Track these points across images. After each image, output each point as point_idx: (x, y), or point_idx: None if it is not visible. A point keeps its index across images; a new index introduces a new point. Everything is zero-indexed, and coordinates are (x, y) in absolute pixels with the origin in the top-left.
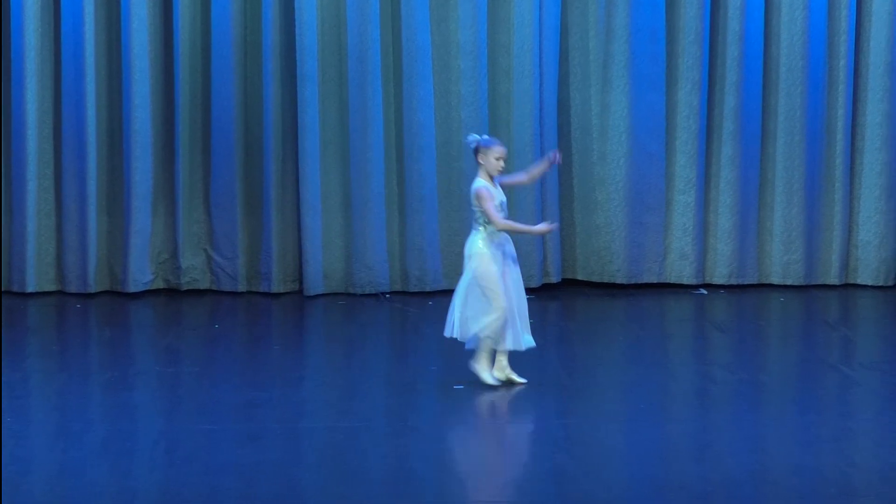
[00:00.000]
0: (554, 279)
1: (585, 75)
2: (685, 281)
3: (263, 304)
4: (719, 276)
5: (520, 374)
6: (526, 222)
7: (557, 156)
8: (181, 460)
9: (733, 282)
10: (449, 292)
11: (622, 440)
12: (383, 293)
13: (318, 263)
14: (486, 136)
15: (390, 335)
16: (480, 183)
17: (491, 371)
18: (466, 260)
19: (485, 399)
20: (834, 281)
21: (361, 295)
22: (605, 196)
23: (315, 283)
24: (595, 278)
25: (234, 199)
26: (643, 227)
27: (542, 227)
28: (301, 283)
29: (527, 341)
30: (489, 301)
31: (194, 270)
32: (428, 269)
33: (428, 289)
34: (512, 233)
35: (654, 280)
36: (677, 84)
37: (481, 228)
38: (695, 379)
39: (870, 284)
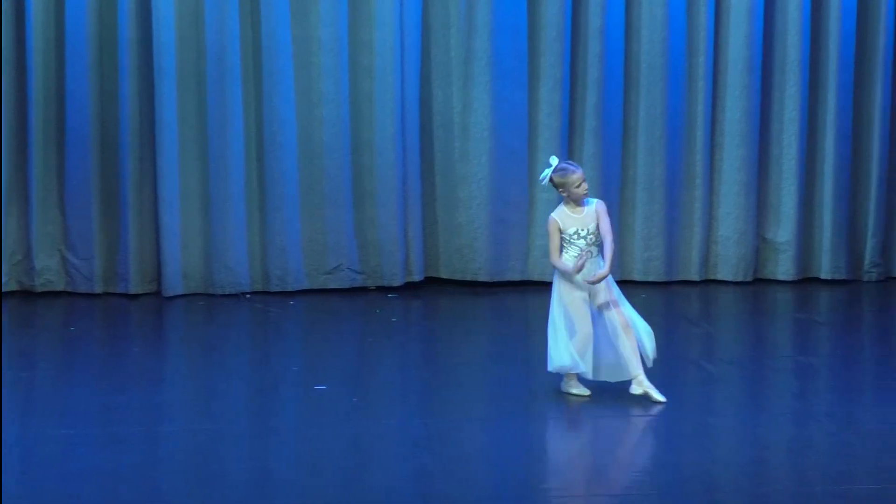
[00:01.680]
0: (416, 277)
1: (447, 73)
2: (548, 279)
3: (121, 306)
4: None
5: (379, 374)
6: (388, 221)
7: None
8: (37, 466)
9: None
10: (311, 292)
11: (485, 439)
12: (244, 293)
13: (177, 263)
14: (558, 165)
15: (251, 336)
16: (555, 213)
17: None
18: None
19: (346, 400)
20: (694, 277)
21: (221, 295)
22: (468, 194)
23: (174, 284)
24: (458, 276)
25: (89, 199)
26: (506, 224)
27: (574, 264)
28: (159, 283)
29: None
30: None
31: (49, 272)
32: (290, 269)
33: (290, 289)
34: (561, 272)
35: (517, 278)
36: (539, 81)
37: (564, 252)
38: (559, 377)
39: (729, 280)
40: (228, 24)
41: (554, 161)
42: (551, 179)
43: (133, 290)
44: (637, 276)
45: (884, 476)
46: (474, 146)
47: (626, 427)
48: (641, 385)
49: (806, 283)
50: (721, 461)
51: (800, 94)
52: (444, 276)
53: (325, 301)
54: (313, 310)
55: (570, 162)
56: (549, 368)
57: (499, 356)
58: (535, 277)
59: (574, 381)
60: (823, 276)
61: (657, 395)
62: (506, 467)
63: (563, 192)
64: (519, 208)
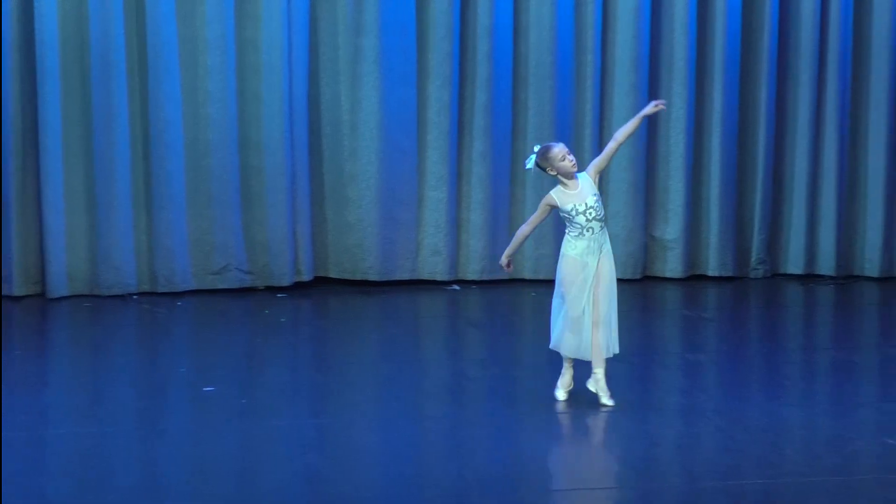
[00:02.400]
0: (306, 277)
1: (335, 71)
2: (438, 277)
3: (4, 308)
4: (472, 272)
5: (268, 375)
6: (277, 220)
7: (661, 102)
8: None
9: (486, 277)
10: (199, 292)
11: (376, 439)
12: (131, 294)
13: (62, 264)
14: (535, 148)
15: (138, 337)
16: (552, 192)
17: (564, 385)
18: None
19: (235, 401)
20: None
21: (108, 296)
22: (357, 193)
23: (59, 285)
24: (347, 276)
25: None
26: (395, 223)
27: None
28: (44, 284)
29: (611, 349)
30: (566, 306)
31: None
32: (177, 270)
33: (177, 289)
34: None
35: (407, 277)
36: (428, 79)
37: (566, 234)
38: (449, 376)
39: (619, 278)
40: (113, 22)
41: (536, 148)
42: (536, 164)
43: (16, 291)
44: (527, 275)
45: (771, 471)
46: (363, 144)
47: (519, 426)
48: (598, 384)
49: (694, 280)
50: (611, 458)
51: (686, 92)
52: (333, 275)
53: (214, 301)
54: (201, 310)
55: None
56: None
57: (389, 356)
58: (426, 276)
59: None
60: (711, 273)
61: (606, 399)
62: (396, 467)
63: (551, 172)
64: (408, 207)
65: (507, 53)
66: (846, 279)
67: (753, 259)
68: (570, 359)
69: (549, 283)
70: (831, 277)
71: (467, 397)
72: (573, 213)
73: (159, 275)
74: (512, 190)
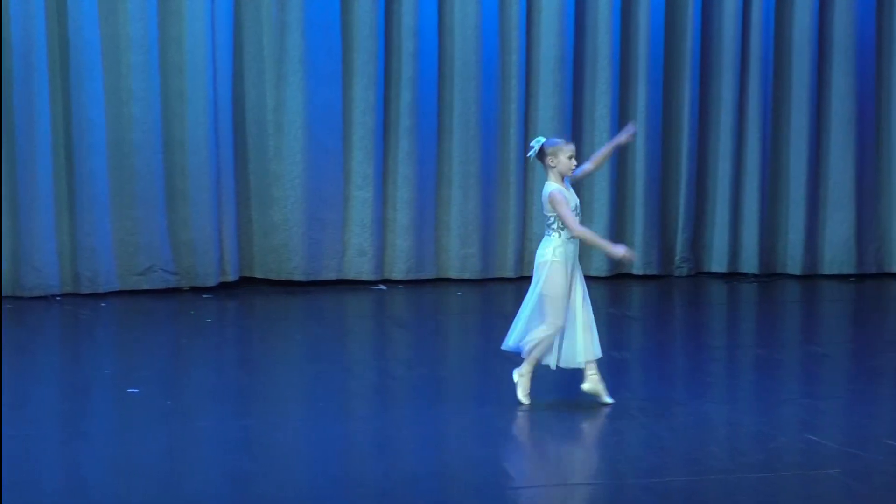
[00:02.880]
0: (231, 277)
1: (260, 70)
2: (364, 277)
3: None
4: (398, 271)
5: (193, 376)
6: (202, 220)
7: (632, 128)
8: None
9: (412, 277)
10: (123, 293)
11: (302, 440)
12: (54, 295)
13: None
14: (546, 138)
15: (61, 339)
16: (553, 187)
17: (528, 390)
18: (537, 268)
19: (160, 402)
20: (510, 274)
21: (30, 298)
22: (282, 193)
23: None
24: (273, 276)
25: None
26: (321, 223)
27: (621, 249)
28: None
29: (594, 353)
30: (547, 315)
31: None
32: (100, 271)
33: (101, 290)
34: (588, 244)
35: (332, 277)
36: (353, 79)
37: (555, 235)
38: (375, 376)
39: None
40: (34, 21)
41: (541, 139)
42: (542, 150)
43: None
44: (453, 274)
45: (695, 468)
46: (288, 144)
47: (445, 425)
48: (597, 385)
49: (618, 278)
50: (536, 457)
51: (610, 92)
52: (259, 275)
53: (138, 302)
54: (126, 311)
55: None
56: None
57: (315, 356)
58: (352, 276)
59: (526, 385)
60: (635, 271)
61: (607, 398)
62: (322, 467)
63: (552, 164)
64: (334, 207)
65: (432, 53)
66: (769, 277)
67: (678, 257)
68: (534, 364)
69: (475, 283)
70: (754, 275)
71: (393, 397)
72: (576, 210)
73: (83, 276)
74: (438, 190)
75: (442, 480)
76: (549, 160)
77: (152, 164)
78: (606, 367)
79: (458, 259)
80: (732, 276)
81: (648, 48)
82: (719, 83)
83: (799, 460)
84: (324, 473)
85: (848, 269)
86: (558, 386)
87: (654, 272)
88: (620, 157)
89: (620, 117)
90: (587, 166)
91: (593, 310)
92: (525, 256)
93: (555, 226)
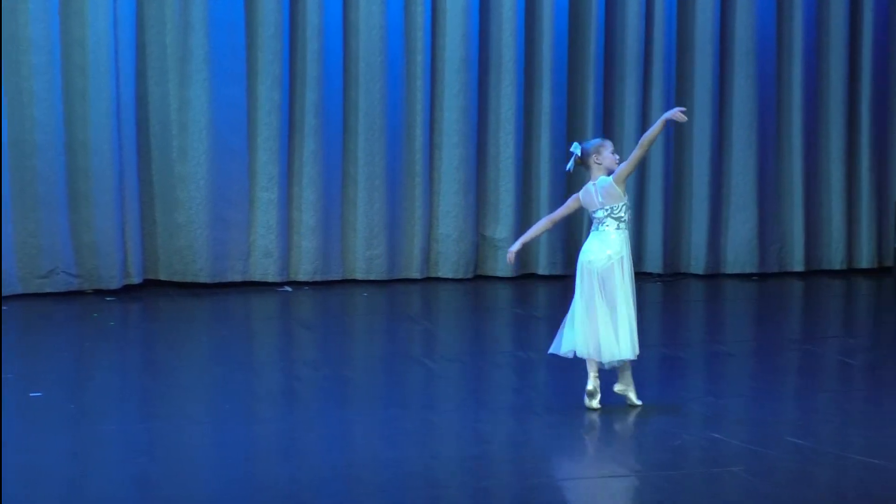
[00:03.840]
0: (136, 280)
1: (164, 70)
2: (270, 279)
3: None
4: (304, 272)
5: (97, 379)
6: (105, 222)
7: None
8: None
9: (318, 278)
10: (25, 296)
11: (207, 442)
12: None
13: None
14: (576, 149)
15: None
16: (607, 180)
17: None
18: (618, 262)
19: (63, 406)
20: (416, 275)
21: None
22: (187, 194)
23: None
24: (178, 278)
25: None
26: (226, 224)
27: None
28: None
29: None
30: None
31: None
32: (2, 273)
33: (2, 293)
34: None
35: (238, 279)
36: (258, 78)
37: (624, 227)
38: (281, 377)
39: (450, 277)
40: None
41: (577, 149)
42: (585, 152)
43: None
44: (359, 275)
45: (600, 466)
46: (192, 145)
47: (351, 427)
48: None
49: (525, 278)
50: (442, 457)
51: (515, 93)
52: (163, 277)
53: (41, 305)
54: (28, 315)
55: None
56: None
57: (220, 358)
58: (257, 278)
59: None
60: (541, 271)
61: (635, 399)
62: (228, 470)
63: (598, 162)
64: (239, 208)
65: (337, 53)
66: (673, 277)
67: None
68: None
69: (381, 284)
70: (658, 275)
71: (299, 399)
72: (626, 207)
73: None
74: (344, 190)
75: (348, 482)
76: (594, 159)
77: (55, 166)
78: (514, 366)
79: (364, 260)
80: (637, 276)
81: (553, 50)
82: (623, 85)
83: (703, 458)
84: (229, 476)
85: (750, 269)
86: (466, 385)
87: (559, 272)
88: (526, 158)
89: (526, 119)
90: (636, 153)
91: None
92: (431, 257)
93: (625, 218)
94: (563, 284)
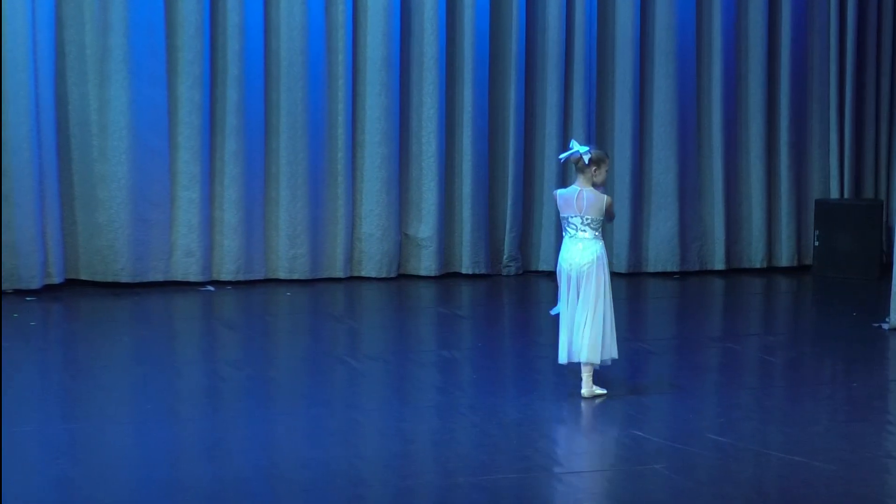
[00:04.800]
0: (56, 280)
1: (83, 70)
2: (192, 278)
3: None
4: (226, 272)
5: (16, 380)
6: (25, 222)
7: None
8: None
9: (241, 278)
10: None
11: (129, 443)
12: None
13: None
14: (583, 147)
15: None
16: (600, 197)
17: None
18: (594, 267)
19: None
20: (339, 274)
21: None
22: (107, 194)
23: None
24: (99, 278)
25: None
26: (147, 224)
27: None
28: None
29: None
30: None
31: None
32: None
33: None
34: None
35: (160, 278)
36: (179, 78)
37: (599, 235)
38: (203, 377)
39: (374, 276)
40: None
41: (584, 148)
42: (591, 158)
43: None
44: (282, 275)
45: (523, 465)
46: (113, 145)
47: (274, 426)
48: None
49: (448, 277)
50: (366, 456)
51: (437, 91)
52: (84, 277)
53: None
54: None
55: None
56: (602, 361)
57: (141, 358)
58: (179, 277)
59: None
60: (464, 270)
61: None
62: (150, 471)
63: (598, 174)
64: (160, 207)
65: (258, 52)
66: None
67: (506, 257)
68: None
69: (305, 283)
70: None
71: (222, 399)
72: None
73: None
74: (266, 189)
75: (272, 481)
76: (593, 169)
77: None
78: (437, 365)
79: (287, 259)
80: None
81: (474, 49)
82: (544, 85)
83: (625, 455)
84: (151, 476)
85: (672, 267)
86: (389, 384)
87: (482, 271)
88: (448, 157)
89: (448, 118)
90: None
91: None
92: (354, 256)
93: (598, 228)
94: (486, 284)
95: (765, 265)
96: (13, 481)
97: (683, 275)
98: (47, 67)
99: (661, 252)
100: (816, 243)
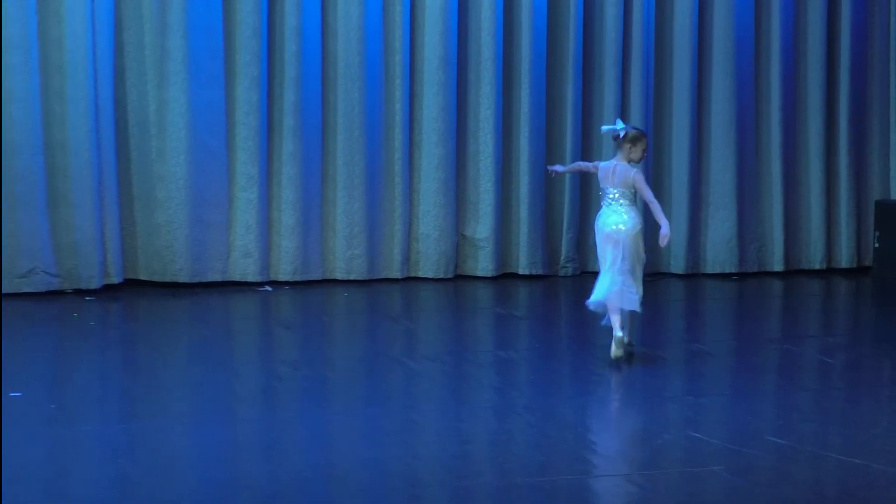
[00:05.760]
0: (115, 280)
1: (142, 71)
2: (249, 279)
3: None
4: (284, 272)
5: (77, 380)
6: (84, 222)
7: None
8: None
9: (298, 278)
10: (4, 296)
11: (188, 442)
12: None
13: None
14: (626, 125)
15: None
16: (631, 172)
17: None
18: (625, 230)
19: (43, 406)
20: (396, 275)
21: None
22: (166, 194)
23: None
24: (158, 278)
25: None
26: (205, 224)
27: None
28: None
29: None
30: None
31: None
32: None
33: None
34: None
35: (218, 278)
36: (236, 79)
37: (631, 206)
38: (261, 377)
39: (430, 277)
40: None
41: (622, 125)
42: (627, 133)
43: None
44: (340, 275)
45: (581, 466)
46: (171, 145)
47: (331, 426)
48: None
49: (505, 278)
50: (423, 457)
51: (494, 91)
52: (143, 277)
53: (20, 305)
54: (7, 314)
55: None
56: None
57: (200, 358)
58: (237, 278)
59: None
60: (521, 271)
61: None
62: (209, 470)
63: (635, 150)
64: (218, 208)
65: (315, 53)
66: (653, 276)
67: (563, 257)
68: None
69: (362, 284)
70: None
71: (280, 399)
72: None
73: None
74: (323, 190)
75: (329, 482)
76: (629, 146)
77: (33, 166)
78: (495, 365)
79: (344, 260)
80: None
81: (531, 48)
82: (601, 84)
83: (683, 457)
84: (210, 476)
85: (730, 268)
86: (446, 384)
87: (539, 272)
88: (505, 157)
89: (505, 117)
90: (649, 199)
91: None
92: (411, 257)
93: (629, 199)
94: (543, 284)
95: (824, 266)
96: (74, 481)
97: (741, 276)
98: (107, 68)
99: (719, 253)
100: (876, 244)
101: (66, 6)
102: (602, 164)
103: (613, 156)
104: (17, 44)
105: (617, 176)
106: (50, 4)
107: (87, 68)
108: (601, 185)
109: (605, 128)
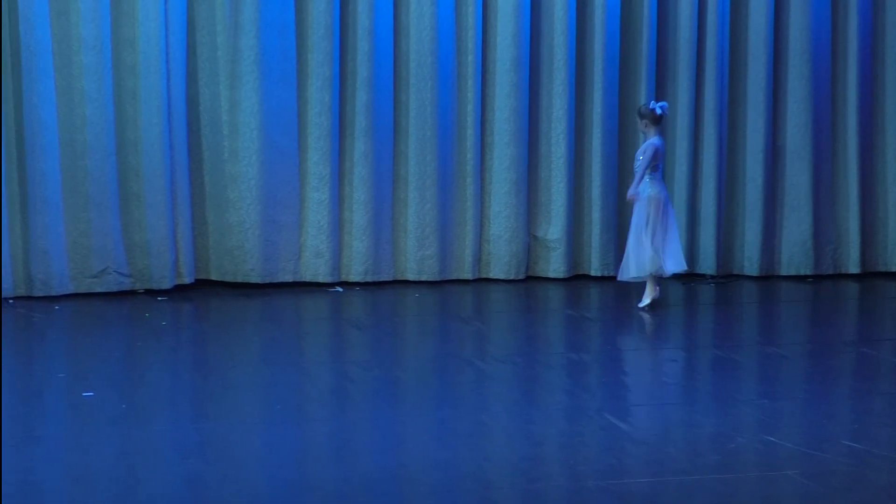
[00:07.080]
0: (187, 280)
1: (214, 71)
2: (321, 279)
3: None
4: (355, 273)
5: (148, 379)
6: (156, 222)
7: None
8: None
9: (369, 279)
10: (77, 296)
11: (258, 442)
12: (7, 298)
13: None
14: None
15: (15, 342)
16: (660, 140)
17: None
18: (644, 199)
19: (115, 406)
20: (467, 276)
21: None
22: (238, 194)
23: None
24: (229, 278)
25: None
26: (277, 225)
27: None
28: None
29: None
30: None
31: None
32: (53, 273)
33: (54, 293)
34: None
35: (289, 279)
36: (308, 80)
37: (646, 175)
38: (331, 378)
39: (501, 278)
40: None
41: (664, 107)
42: (654, 111)
43: None
44: (411, 276)
45: (653, 469)
46: (243, 145)
47: (402, 427)
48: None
49: (576, 280)
50: (494, 458)
51: (567, 92)
52: (214, 277)
53: (92, 305)
54: (79, 314)
55: None
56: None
57: (271, 358)
58: (308, 278)
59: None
60: (593, 273)
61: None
62: (279, 471)
63: (654, 124)
64: (290, 209)
65: (387, 54)
66: (726, 278)
67: None
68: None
69: (433, 284)
70: (712, 276)
71: (350, 399)
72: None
73: (35, 278)
74: (394, 191)
75: (400, 483)
76: (654, 122)
77: (105, 166)
78: (566, 367)
79: (416, 261)
80: (690, 278)
81: (604, 50)
82: (675, 86)
83: (757, 461)
84: (281, 476)
85: (805, 270)
86: (518, 386)
87: (611, 273)
88: (577, 158)
89: (577, 119)
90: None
91: None
92: (482, 258)
93: (646, 169)
94: (615, 286)
95: None
96: (145, 480)
97: (817, 278)
98: (179, 69)
99: (794, 255)
100: None
101: (140, 7)
102: (659, 145)
103: (657, 134)
104: (91, 45)
105: (640, 149)
106: (123, 5)
107: (160, 69)
108: (660, 163)
109: (653, 104)
